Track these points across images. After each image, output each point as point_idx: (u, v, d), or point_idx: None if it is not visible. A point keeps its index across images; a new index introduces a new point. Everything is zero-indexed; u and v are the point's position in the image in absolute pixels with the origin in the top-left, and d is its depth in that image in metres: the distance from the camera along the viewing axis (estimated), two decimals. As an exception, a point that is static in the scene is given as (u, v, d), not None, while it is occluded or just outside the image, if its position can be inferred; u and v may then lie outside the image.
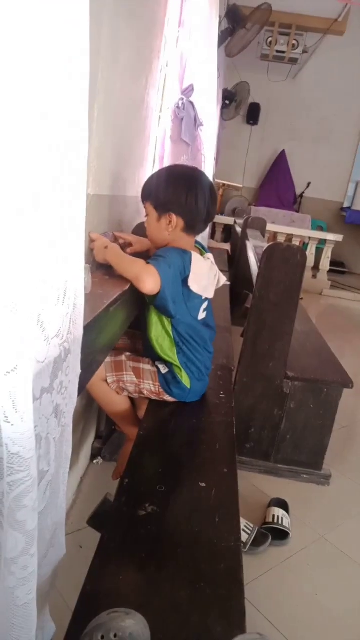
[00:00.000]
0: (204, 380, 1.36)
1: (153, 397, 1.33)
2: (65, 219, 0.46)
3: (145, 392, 1.33)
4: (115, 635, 0.52)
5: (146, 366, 1.32)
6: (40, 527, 0.53)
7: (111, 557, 0.78)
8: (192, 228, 1.24)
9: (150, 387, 1.31)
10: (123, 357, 1.32)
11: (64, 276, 0.48)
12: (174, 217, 1.20)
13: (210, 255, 1.32)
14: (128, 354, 1.35)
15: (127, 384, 1.32)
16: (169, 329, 1.27)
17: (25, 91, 0.36)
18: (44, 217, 0.42)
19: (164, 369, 1.30)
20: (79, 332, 0.57)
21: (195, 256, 1.22)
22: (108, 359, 1.31)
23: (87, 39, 0.45)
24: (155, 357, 1.31)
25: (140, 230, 1.50)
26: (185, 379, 1.30)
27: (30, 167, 0.38)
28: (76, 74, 0.45)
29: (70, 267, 0.50)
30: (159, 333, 1.28)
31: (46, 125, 0.40)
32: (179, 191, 1.18)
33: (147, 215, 1.24)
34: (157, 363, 1.31)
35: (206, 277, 1.26)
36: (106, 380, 1.31)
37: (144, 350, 1.38)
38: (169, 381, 1.29)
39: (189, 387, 1.30)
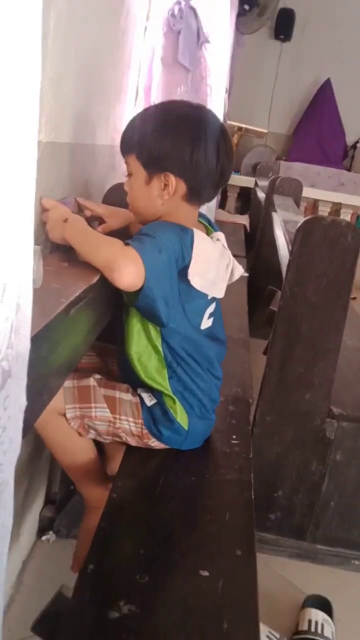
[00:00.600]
0: (209, 419, 1.37)
1: (133, 443, 1.34)
2: (1, 179, 0.47)
3: (121, 435, 1.33)
4: None
5: (125, 395, 1.32)
6: None
7: None
8: (197, 195, 1.25)
9: (130, 426, 1.31)
10: (91, 382, 1.32)
11: (1, 264, 0.49)
12: (172, 178, 1.20)
13: (220, 235, 1.33)
14: (98, 376, 1.35)
15: (95, 421, 1.32)
16: (157, 342, 1.27)
17: None
18: None
19: (149, 400, 1.30)
20: (24, 345, 0.57)
21: (199, 236, 1.22)
22: (68, 384, 1.31)
23: None
24: (137, 383, 1.32)
25: (116, 195, 1.51)
26: (180, 416, 1.30)
27: None
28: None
29: (11, 251, 0.50)
30: (143, 348, 1.28)
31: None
32: (181, 141, 1.19)
33: (129, 175, 1.25)
34: (139, 391, 1.32)
35: (214, 268, 1.27)
36: (64, 415, 1.32)
37: (121, 372, 1.38)
38: (157, 418, 1.30)
39: (185, 427, 1.31)
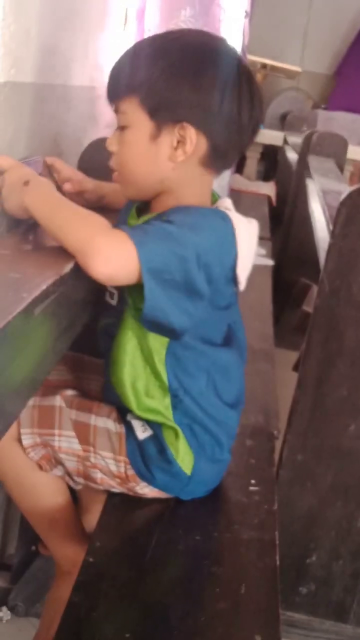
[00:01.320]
0: (222, 460, 1.37)
1: (114, 488, 1.34)
2: None
3: (97, 476, 1.33)
4: None
5: (103, 421, 1.32)
6: None
7: None
8: (220, 158, 1.24)
9: (110, 465, 1.31)
10: (57, 401, 1.33)
11: None
12: (191, 131, 1.17)
13: (228, 202, 1.31)
14: (70, 393, 1.36)
15: (61, 453, 1.32)
16: (160, 363, 1.26)
17: None
18: None
19: (142, 432, 1.30)
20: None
21: (236, 220, 1.21)
22: (30, 402, 1.31)
23: None
24: (124, 407, 1.32)
25: (98, 154, 1.51)
26: (183, 456, 1.29)
27: None
28: None
29: None
30: (139, 371, 1.27)
31: None
32: (207, 84, 1.17)
33: (120, 127, 1.22)
34: (129, 417, 1.31)
35: (248, 257, 1.26)
36: (19, 440, 1.33)
37: (105, 392, 1.39)
38: (149, 456, 1.30)
39: (188, 472, 1.31)
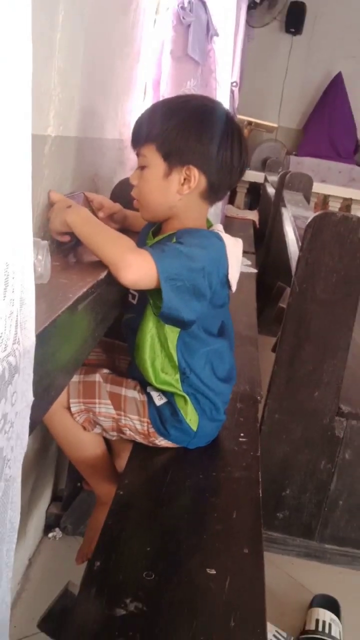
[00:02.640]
0: (219, 420, 1.37)
1: (139, 440, 1.35)
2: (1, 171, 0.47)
3: (126, 432, 1.34)
4: None
5: (131, 393, 1.33)
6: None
7: None
8: (215, 192, 1.24)
9: (136, 424, 1.32)
10: (97, 377, 1.33)
11: (3, 257, 0.49)
12: (195, 172, 1.18)
13: (219, 227, 1.32)
14: (105, 371, 1.36)
15: (100, 417, 1.33)
16: (172, 348, 1.27)
17: None
18: None
19: (159, 400, 1.31)
20: (30, 341, 0.57)
21: (226, 239, 1.22)
22: (74, 378, 1.32)
23: None
24: (145, 381, 1.32)
25: (125, 190, 1.51)
26: (190, 417, 1.30)
27: None
28: None
29: (12, 245, 0.50)
30: (157, 353, 1.28)
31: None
32: (208, 135, 1.18)
33: (141, 167, 1.22)
34: (149, 389, 1.32)
35: (236, 267, 1.26)
36: (69, 409, 1.33)
37: (129, 371, 1.39)
38: (165, 418, 1.30)
39: (194, 428, 1.31)
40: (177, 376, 1.29)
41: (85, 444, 1.39)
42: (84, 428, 1.35)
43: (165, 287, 1.09)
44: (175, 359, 1.28)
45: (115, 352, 1.50)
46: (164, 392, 1.31)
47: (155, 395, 1.31)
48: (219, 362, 1.33)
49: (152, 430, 1.31)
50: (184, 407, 1.30)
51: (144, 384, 1.33)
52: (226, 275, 1.21)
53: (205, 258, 1.16)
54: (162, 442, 1.33)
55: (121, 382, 1.34)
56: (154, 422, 1.31)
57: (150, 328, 1.27)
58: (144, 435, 1.33)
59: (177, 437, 1.32)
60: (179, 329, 1.25)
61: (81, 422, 1.34)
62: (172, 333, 1.26)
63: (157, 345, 1.28)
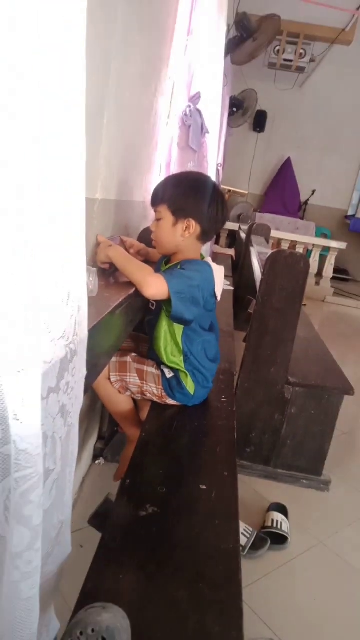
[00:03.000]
0: (208, 387, 1.37)
1: (155, 400, 1.34)
2: (66, 223, 0.47)
3: (147, 395, 1.33)
4: (92, 630, 0.53)
5: (150, 369, 1.32)
6: (46, 524, 0.54)
7: (111, 557, 0.79)
8: (206, 235, 1.24)
9: (153, 390, 1.32)
10: (128, 358, 1.33)
11: (68, 278, 0.49)
12: (193, 223, 1.19)
13: (209, 259, 1.33)
14: (133, 354, 1.36)
15: (130, 384, 1.33)
16: (179, 340, 1.27)
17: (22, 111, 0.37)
18: (46, 220, 0.43)
19: (169, 374, 1.30)
20: (84, 333, 0.58)
21: (212, 265, 1.23)
22: (113, 359, 1.32)
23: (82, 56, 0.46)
24: (160, 361, 1.32)
25: (147, 234, 1.51)
26: (190, 386, 1.30)
27: (30, 172, 0.39)
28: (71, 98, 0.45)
29: (73, 270, 0.51)
30: (168, 343, 1.29)
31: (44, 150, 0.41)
32: (202, 199, 1.18)
33: (157, 219, 1.22)
34: (162, 367, 1.32)
35: (221, 281, 1.28)
36: (110, 379, 1.33)
37: (149, 354, 1.39)
38: (172, 386, 1.30)
39: (192, 393, 1.31)
40: (182, 358, 1.29)
41: (120, 402, 1.39)
42: (119, 392, 1.35)
43: (174, 298, 1.11)
44: (181, 346, 1.27)
45: (140, 342, 1.49)
46: (172, 369, 1.30)
47: (166, 371, 1.31)
48: (210, 348, 1.32)
49: (163, 394, 1.31)
50: (185, 379, 1.30)
51: (159, 363, 1.33)
52: (214, 289, 1.22)
53: (200, 278, 1.17)
54: (170, 401, 1.32)
55: (144, 362, 1.34)
56: (165, 388, 1.31)
57: (164, 325, 1.27)
58: (158, 397, 1.32)
59: (180, 399, 1.32)
60: (182, 326, 1.25)
61: (117, 388, 1.34)
62: (178, 329, 1.26)
63: (168, 337, 1.28)
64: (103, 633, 0.53)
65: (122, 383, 1.33)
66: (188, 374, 1.29)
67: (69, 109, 0.43)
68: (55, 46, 0.40)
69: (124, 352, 1.37)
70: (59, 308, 0.48)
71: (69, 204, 0.47)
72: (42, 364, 0.46)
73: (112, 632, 0.53)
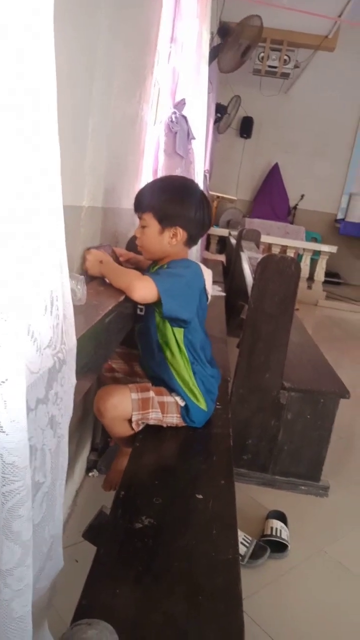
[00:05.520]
0: (215, 394, 1.31)
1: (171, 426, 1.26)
2: (44, 230, 0.46)
3: (165, 425, 1.25)
4: None
5: (169, 399, 1.25)
6: (37, 539, 0.53)
7: (107, 571, 0.77)
8: (193, 241, 1.24)
9: (174, 420, 1.25)
10: (151, 394, 1.22)
11: (49, 286, 0.49)
12: (180, 230, 1.18)
13: (198, 262, 1.33)
14: (154, 388, 1.26)
15: (150, 420, 1.23)
16: (182, 346, 1.22)
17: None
18: (24, 227, 0.42)
19: (181, 402, 1.24)
20: (73, 342, 0.57)
21: (200, 266, 1.24)
22: (135, 396, 1.20)
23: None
24: (166, 384, 1.25)
25: (135, 242, 1.51)
26: (202, 405, 1.26)
27: (8, 181, 0.38)
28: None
29: (54, 278, 0.50)
30: (176, 356, 1.23)
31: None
32: (188, 205, 1.17)
33: (144, 227, 1.21)
34: (173, 395, 1.25)
35: (209, 282, 1.27)
36: (129, 420, 1.20)
37: (140, 361, 1.36)
38: (189, 412, 1.25)
39: (206, 409, 1.27)
40: (190, 370, 1.23)
41: (126, 435, 1.26)
42: (134, 429, 1.22)
43: (163, 296, 1.11)
44: (186, 352, 1.23)
45: (131, 360, 1.44)
46: (182, 396, 1.24)
47: (178, 399, 1.24)
48: (207, 351, 1.31)
49: (181, 421, 1.24)
50: (197, 401, 1.25)
51: (166, 387, 1.25)
52: (204, 286, 1.22)
53: (188, 273, 1.19)
54: (182, 424, 1.26)
55: (162, 392, 1.24)
56: (183, 416, 1.25)
57: (172, 341, 1.23)
58: (176, 424, 1.25)
59: (199, 421, 1.26)
60: (182, 329, 1.22)
61: (134, 426, 1.21)
62: (179, 332, 1.23)
63: (175, 349, 1.23)
64: None
65: (143, 420, 1.22)
66: (198, 391, 1.24)
67: (38, 109, 0.42)
68: (20, 51, 0.39)
69: (144, 387, 1.24)
70: (43, 316, 0.47)
71: (47, 209, 0.46)
72: (28, 374, 0.46)
73: None
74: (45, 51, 0.42)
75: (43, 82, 0.43)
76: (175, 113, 1.93)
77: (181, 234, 1.19)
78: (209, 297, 1.26)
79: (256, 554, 1.37)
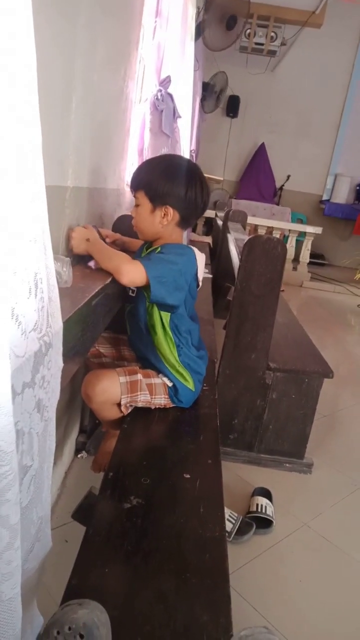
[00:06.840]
0: (202, 375, 1.32)
1: (159, 407, 1.27)
2: (27, 211, 0.45)
3: (153, 407, 1.26)
4: (69, 628, 0.52)
5: (157, 380, 1.25)
6: (25, 521, 0.53)
7: (97, 551, 0.78)
8: (186, 222, 1.21)
9: (161, 401, 1.25)
10: (138, 376, 1.23)
11: (33, 269, 0.47)
12: (170, 210, 1.16)
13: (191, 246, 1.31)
14: (141, 371, 1.26)
15: (139, 402, 1.23)
16: (167, 326, 1.22)
17: None
18: (5, 209, 0.40)
19: (169, 383, 1.25)
20: (59, 325, 0.56)
21: (195, 250, 1.21)
22: (123, 380, 1.20)
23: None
24: (154, 365, 1.25)
25: (122, 223, 1.48)
26: (190, 384, 1.26)
27: None
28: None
29: (39, 260, 0.48)
30: (162, 339, 1.23)
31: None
32: (179, 184, 1.15)
33: (137, 205, 1.19)
34: (160, 376, 1.26)
35: (201, 269, 1.25)
36: (118, 404, 1.21)
37: (129, 340, 1.35)
38: (177, 392, 1.25)
39: (193, 389, 1.27)
40: (175, 352, 1.23)
41: (114, 414, 1.25)
42: (123, 412, 1.22)
43: (152, 282, 1.09)
44: (171, 335, 1.23)
45: (120, 345, 1.43)
46: (169, 377, 1.24)
47: (166, 380, 1.25)
48: (195, 336, 1.30)
49: (169, 402, 1.25)
50: (185, 381, 1.25)
51: (153, 369, 1.26)
52: (196, 273, 1.20)
53: (182, 260, 1.16)
54: (170, 405, 1.27)
55: (149, 374, 1.25)
56: (171, 397, 1.26)
57: (158, 324, 1.23)
58: (164, 405, 1.26)
59: (187, 401, 1.27)
60: (169, 313, 1.21)
61: (122, 409, 1.21)
62: (166, 316, 1.22)
63: (161, 332, 1.23)
64: (80, 630, 0.52)
65: (132, 403, 1.22)
66: (186, 372, 1.25)
67: (14, 85, 0.40)
68: None
69: (131, 370, 1.25)
70: (27, 299, 0.46)
71: (29, 190, 0.44)
72: (13, 358, 0.45)
73: (90, 628, 0.52)
74: (23, 23, 0.40)
75: (21, 55, 0.41)
76: (160, 91, 1.89)
77: (172, 213, 1.17)
78: (200, 283, 1.24)
79: (242, 530, 1.40)
